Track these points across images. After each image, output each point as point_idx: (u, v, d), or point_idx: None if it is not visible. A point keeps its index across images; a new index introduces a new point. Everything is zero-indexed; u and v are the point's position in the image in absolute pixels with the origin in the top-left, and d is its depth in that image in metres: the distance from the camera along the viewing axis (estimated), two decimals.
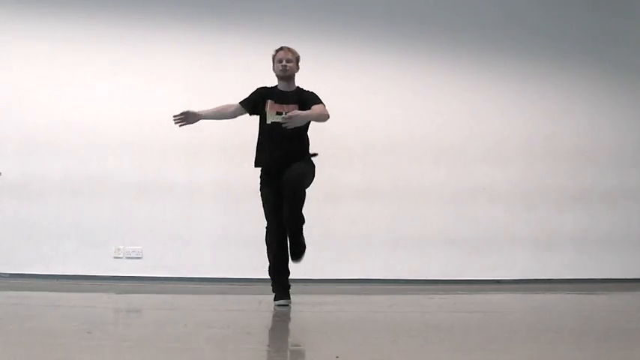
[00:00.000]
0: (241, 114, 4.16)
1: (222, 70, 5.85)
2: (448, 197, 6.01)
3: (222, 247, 5.69)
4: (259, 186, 4.09)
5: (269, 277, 4.06)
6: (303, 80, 5.89)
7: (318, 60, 5.92)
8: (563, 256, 6.09)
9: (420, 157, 6.01)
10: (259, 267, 5.45)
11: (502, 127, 6.18)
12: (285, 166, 3.93)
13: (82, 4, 5.83)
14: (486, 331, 3.27)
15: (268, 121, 4.04)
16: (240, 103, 4.14)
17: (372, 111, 6.00)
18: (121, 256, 5.62)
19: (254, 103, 4.11)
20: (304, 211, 3.92)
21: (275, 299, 3.99)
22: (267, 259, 4.04)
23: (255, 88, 4.18)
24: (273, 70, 4.20)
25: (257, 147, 4.09)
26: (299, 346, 2.94)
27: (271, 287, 4.06)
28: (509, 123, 6.19)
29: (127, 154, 5.69)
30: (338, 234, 5.73)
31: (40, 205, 5.59)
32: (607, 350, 2.74)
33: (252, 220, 5.66)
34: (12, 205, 5.57)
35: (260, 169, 4.09)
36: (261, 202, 4.05)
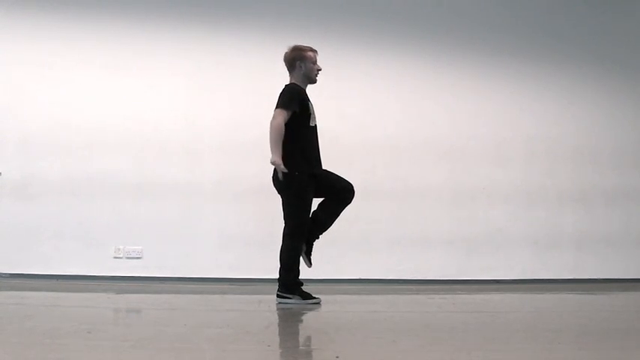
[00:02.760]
0: None
1: (222, 69, 5.85)
2: (448, 197, 6.01)
3: (222, 247, 5.69)
4: (300, 187, 4.00)
5: (292, 280, 4.04)
6: None
7: (318, 60, 5.91)
8: (564, 256, 6.08)
9: (420, 157, 6.00)
10: (259, 267, 5.49)
11: (502, 127, 6.17)
12: None
13: (82, 4, 5.83)
14: (486, 331, 3.27)
15: (312, 124, 4.09)
16: (286, 112, 3.95)
17: (372, 111, 6.00)
18: (121, 256, 5.62)
19: (300, 103, 4.03)
20: None
21: (306, 298, 4.02)
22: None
23: (291, 89, 4.06)
24: (305, 68, 4.11)
25: (300, 148, 4.01)
26: (299, 346, 2.94)
27: (294, 289, 4.03)
28: (509, 123, 6.18)
29: (127, 154, 5.69)
30: (338, 234, 5.70)
31: (40, 205, 5.59)
32: (607, 350, 2.74)
33: (253, 219, 5.72)
34: (12, 205, 5.58)
35: (298, 172, 3.98)
36: (299, 202, 4.02)
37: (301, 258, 4.11)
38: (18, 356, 2.43)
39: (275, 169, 4.09)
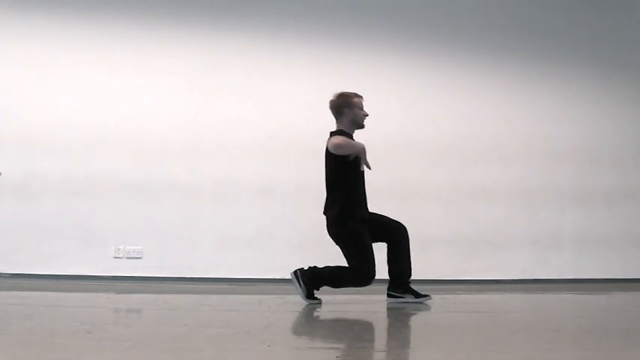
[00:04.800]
0: None
1: (222, 69, 5.85)
2: (448, 197, 6.01)
3: (222, 247, 5.69)
4: (356, 232, 4.02)
5: (311, 289, 4.04)
6: (304, 80, 5.91)
7: (318, 60, 5.91)
8: (563, 256, 6.09)
9: (420, 157, 6.00)
10: (259, 267, 5.50)
11: (502, 126, 6.17)
12: None
13: (82, 5, 5.82)
14: (486, 331, 3.27)
15: (362, 168, 4.10)
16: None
17: (372, 111, 5.96)
18: (121, 256, 5.62)
19: None
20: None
21: (309, 298, 4.02)
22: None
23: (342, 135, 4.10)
24: (352, 115, 4.13)
25: (351, 194, 4.04)
26: (299, 346, 2.94)
27: (309, 290, 4.03)
28: (508, 123, 6.19)
29: (127, 154, 5.69)
30: None
31: (40, 205, 5.58)
32: (607, 350, 2.74)
33: (253, 220, 5.72)
34: (12, 205, 5.57)
35: (351, 220, 4.02)
36: (357, 246, 4.01)
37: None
38: (18, 356, 2.43)
39: (327, 219, 4.09)
